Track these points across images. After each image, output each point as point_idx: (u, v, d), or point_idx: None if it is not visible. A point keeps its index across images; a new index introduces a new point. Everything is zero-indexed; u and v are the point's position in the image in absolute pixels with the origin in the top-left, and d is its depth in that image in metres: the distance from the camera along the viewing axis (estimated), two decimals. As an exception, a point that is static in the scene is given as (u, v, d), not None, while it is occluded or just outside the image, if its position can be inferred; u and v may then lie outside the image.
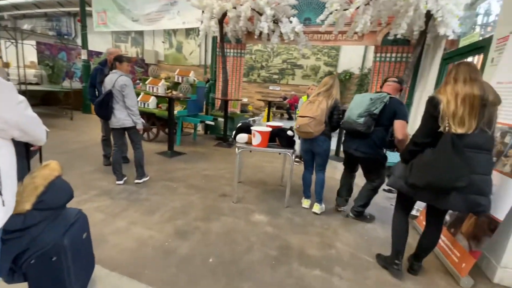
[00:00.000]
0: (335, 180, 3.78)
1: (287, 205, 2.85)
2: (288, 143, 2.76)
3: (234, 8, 4.96)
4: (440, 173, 1.49)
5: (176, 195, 2.93)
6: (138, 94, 5.22)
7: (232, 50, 6.21)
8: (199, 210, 2.64)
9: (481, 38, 3.18)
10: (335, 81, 2.55)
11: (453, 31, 3.79)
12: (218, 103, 6.35)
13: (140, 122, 2.98)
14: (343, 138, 2.56)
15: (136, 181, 3.15)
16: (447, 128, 1.50)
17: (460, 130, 1.47)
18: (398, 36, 4.50)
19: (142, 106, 5.11)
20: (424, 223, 2.49)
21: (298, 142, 2.82)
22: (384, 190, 3.62)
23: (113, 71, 2.87)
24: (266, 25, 4.81)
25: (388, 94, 2.34)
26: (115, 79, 2.78)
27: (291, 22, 4.90)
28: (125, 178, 3.16)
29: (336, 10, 4.26)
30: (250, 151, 2.79)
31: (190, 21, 6.42)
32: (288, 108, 9.99)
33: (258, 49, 11.52)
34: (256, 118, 6.47)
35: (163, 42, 12.61)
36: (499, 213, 1.75)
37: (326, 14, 4.37)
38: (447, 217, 2.25)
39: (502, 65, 2.19)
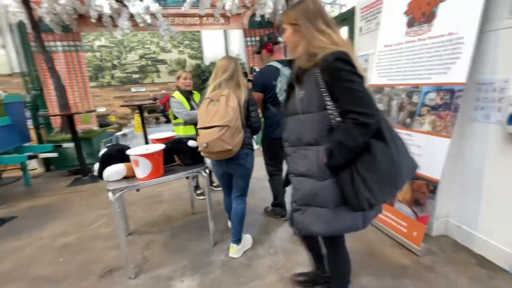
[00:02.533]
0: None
1: (215, 242, 2.05)
2: (193, 158, 1.92)
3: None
4: (404, 162, 1.00)
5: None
6: None
7: (60, 43, 4.31)
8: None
9: (338, 13, 3.42)
10: (237, 62, 1.77)
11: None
12: (58, 121, 4.36)
13: None
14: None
15: None
16: None
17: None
18: (267, 16, 4.38)
19: None
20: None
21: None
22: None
23: None
24: (105, 2, 3.46)
25: None
26: None
27: (141, 0, 3.78)
28: None
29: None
30: (138, 190, 1.74)
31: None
32: (163, 110, 8.65)
33: (103, 44, 9.21)
34: (126, 130, 4.97)
35: None
36: (435, 173, 1.72)
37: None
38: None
39: (384, 30, 2.22)
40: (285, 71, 1.93)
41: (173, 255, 1.96)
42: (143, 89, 9.41)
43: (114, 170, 1.68)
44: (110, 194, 1.61)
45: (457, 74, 1.62)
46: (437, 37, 1.74)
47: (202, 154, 1.62)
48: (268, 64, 2.07)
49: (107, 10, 3.51)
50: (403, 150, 1.01)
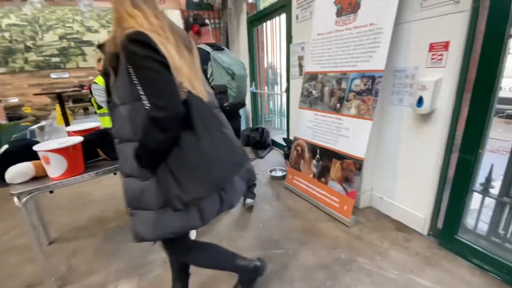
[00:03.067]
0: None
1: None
2: (122, 152, 1.73)
3: None
4: (228, 153, 0.96)
5: None
6: None
7: None
8: None
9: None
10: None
11: (251, -6, 3.90)
12: None
13: None
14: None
15: None
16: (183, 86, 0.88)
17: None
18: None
19: None
20: (296, 181, 2.53)
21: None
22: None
23: None
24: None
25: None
26: None
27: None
28: None
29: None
30: (51, 192, 1.49)
31: None
32: (91, 99, 7.65)
33: (12, 22, 7.56)
34: (45, 123, 4.24)
35: None
36: (361, 152, 1.90)
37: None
38: (314, 169, 2.33)
39: (317, 19, 2.31)
40: (218, 56, 1.83)
41: (105, 260, 1.77)
42: (66, 75, 8.14)
43: (18, 170, 1.39)
44: (15, 199, 1.34)
45: (378, 62, 1.79)
46: (361, 27, 1.88)
47: None
48: (197, 46, 1.95)
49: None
50: (223, 143, 0.95)
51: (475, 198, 1.62)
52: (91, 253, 1.84)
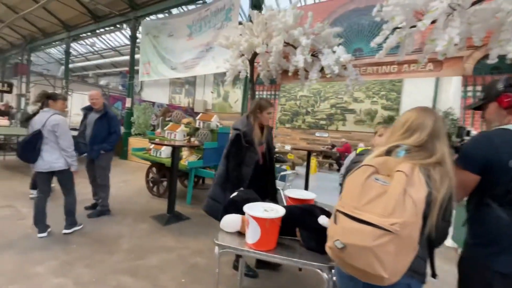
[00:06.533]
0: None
1: None
2: (319, 242, 1.38)
3: (265, 44, 4.19)
4: None
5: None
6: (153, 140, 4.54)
7: (265, 92, 5.37)
8: None
9: None
10: (439, 119, 1.01)
11: None
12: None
13: (76, 165, 2.68)
14: None
15: (65, 231, 2.73)
16: None
17: None
18: (510, 57, 2.94)
19: (155, 155, 4.38)
20: None
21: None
22: None
23: (44, 109, 2.58)
24: (301, 58, 3.82)
25: None
26: (46, 118, 2.51)
27: (334, 52, 3.83)
28: (49, 230, 2.70)
29: (399, 28, 3.04)
30: (240, 257, 1.47)
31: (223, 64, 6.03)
32: (338, 158, 8.44)
33: (304, 94, 10.75)
34: (294, 171, 5.14)
35: (212, 92, 13.07)
36: None
37: (384, 35, 3.16)
38: None
39: None
40: None
41: None
42: (326, 135, 9.79)
43: (228, 220, 1.53)
44: (216, 249, 1.46)
45: None
46: None
47: (329, 253, 0.98)
48: (502, 127, 1.10)
49: (301, 64, 3.86)
50: None
51: None
52: None
